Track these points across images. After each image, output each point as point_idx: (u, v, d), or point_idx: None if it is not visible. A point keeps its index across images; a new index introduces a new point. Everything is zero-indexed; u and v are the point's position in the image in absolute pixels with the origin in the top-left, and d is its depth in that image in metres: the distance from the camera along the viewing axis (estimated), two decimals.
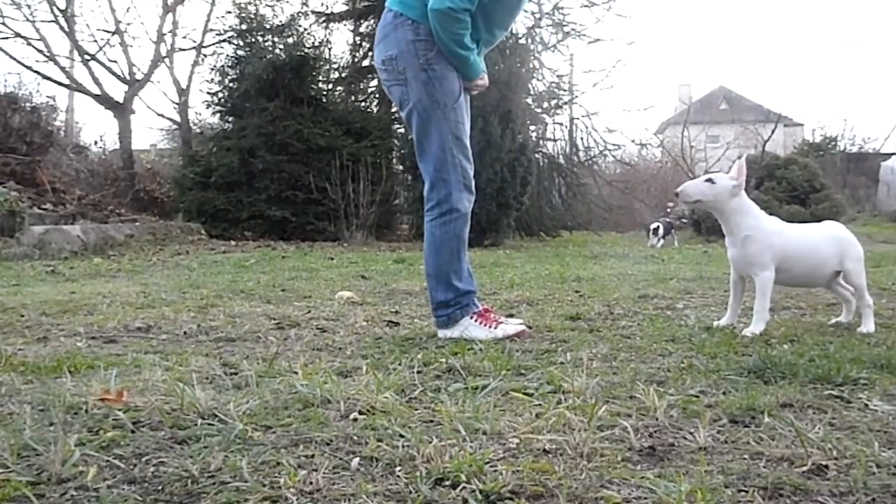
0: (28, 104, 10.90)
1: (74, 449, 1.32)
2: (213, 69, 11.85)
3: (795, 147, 23.96)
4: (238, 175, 10.65)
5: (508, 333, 2.58)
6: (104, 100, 12.59)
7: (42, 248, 7.13)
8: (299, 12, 12.29)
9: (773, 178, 14.17)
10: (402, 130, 11.53)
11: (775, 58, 66.81)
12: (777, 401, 1.69)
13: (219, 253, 8.27)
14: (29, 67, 11.98)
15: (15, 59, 12.05)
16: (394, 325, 2.98)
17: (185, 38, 14.20)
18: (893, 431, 1.49)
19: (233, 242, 9.76)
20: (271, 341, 2.57)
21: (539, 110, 13.04)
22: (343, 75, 13.02)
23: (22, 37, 12.11)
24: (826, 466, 1.28)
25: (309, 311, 3.35)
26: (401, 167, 11.88)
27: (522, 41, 12.16)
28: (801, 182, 14.04)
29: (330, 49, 12.97)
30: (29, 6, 12.08)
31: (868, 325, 2.74)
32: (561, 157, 14.17)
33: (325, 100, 11.93)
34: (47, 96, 13.60)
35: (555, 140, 14.25)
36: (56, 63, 12.42)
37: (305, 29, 12.42)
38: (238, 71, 11.41)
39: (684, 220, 15.17)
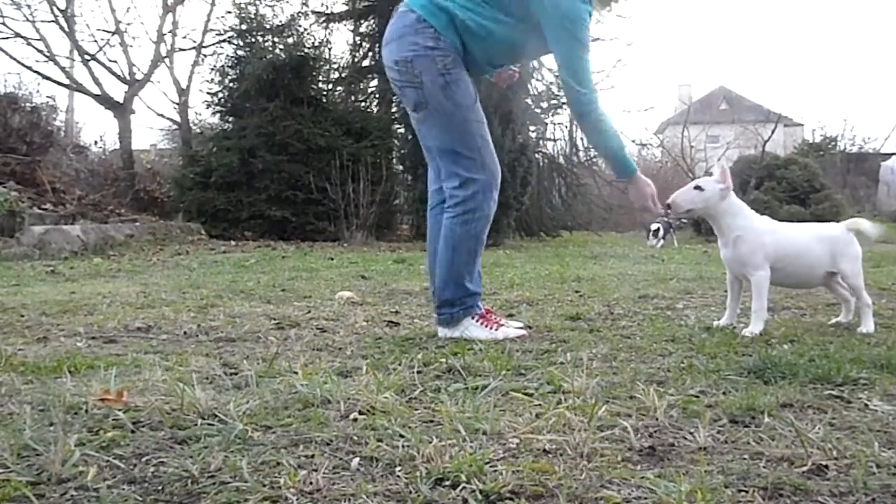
0: (28, 104, 10.91)
1: (74, 449, 1.32)
2: (213, 69, 11.86)
3: (795, 147, 24.00)
4: (238, 175, 10.64)
5: (509, 336, 2.58)
6: (104, 100, 12.60)
7: (42, 248, 7.13)
8: (299, 12, 12.30)
9: (774, 178, 14.18)
10: (402, 130, 11.52)
11: (775, 58, 66.93)
12: (777, 401, 1.69)
13: (219, 253, 8.27)
14: (29, 67, 12.02)
15: (15, 59, 12.10)
16: (394, 325, 2.98)
17: (185, 38, 14.22)
18: (893, 431, 1.49)
19: (233, 242, 9.75)
20: (271, 341, 2.57)
21: (539, 110, 13.03)
22: (343, 75, 13.01)
23: (22, 37, 12.15)
24: (826, 466, 1.28)
25: (309, 311, 3.35)
26: (401, 167, 11.88)
27: None
28: (801, 182, 14.06)
29: (330, 49, 12.99)
30: (29, 6, 12.11)
31: (868, 325, 2.74)
32: (561, 157, 14.16)
33: (325, 100, 11.92)
34: (47, 96, 13.70)
35: (555, 140, 14.25)
36: (56, 63, 12.45)
37: (305, 29, 12.42)
38: (238, 71, 11.41)
39: (684, 221, 15.15)
